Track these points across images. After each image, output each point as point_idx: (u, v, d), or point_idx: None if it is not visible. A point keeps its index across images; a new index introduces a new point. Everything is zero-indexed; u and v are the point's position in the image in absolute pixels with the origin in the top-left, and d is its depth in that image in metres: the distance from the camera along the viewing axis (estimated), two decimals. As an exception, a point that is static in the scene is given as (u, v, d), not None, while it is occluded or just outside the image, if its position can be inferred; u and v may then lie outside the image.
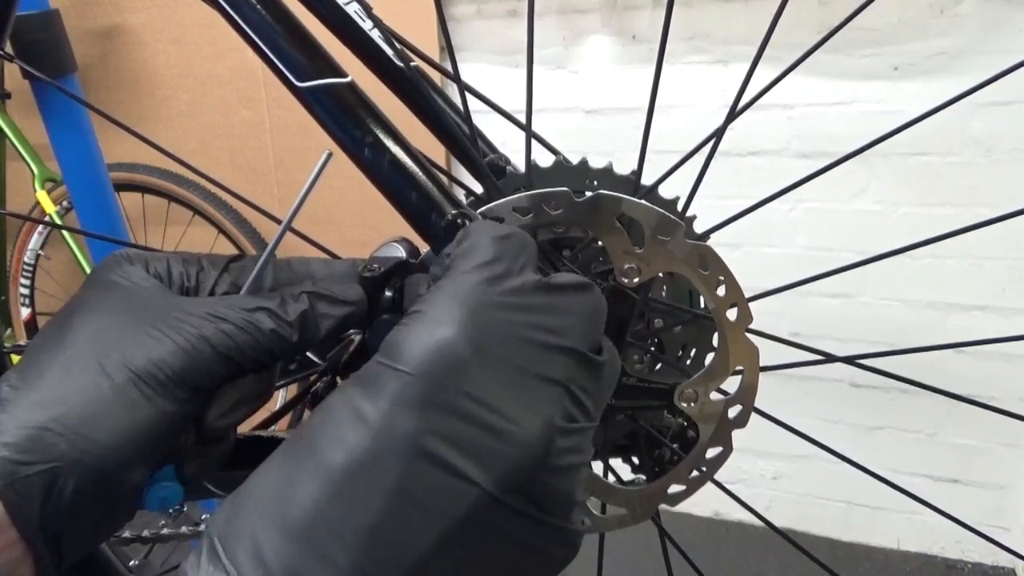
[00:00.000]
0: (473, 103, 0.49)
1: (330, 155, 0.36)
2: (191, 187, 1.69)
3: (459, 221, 0.38)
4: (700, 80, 1.42)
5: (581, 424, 0.29)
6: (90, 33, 1.78)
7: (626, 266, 0.42)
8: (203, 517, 1.06)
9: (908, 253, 0.50)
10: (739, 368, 0.44)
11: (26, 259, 1.81)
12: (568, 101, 1.52)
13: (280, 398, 1.23)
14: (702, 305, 0.47)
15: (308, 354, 0.41)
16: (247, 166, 1.79)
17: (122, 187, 1.64)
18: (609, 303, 0.33)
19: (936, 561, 1.59)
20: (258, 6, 0.39)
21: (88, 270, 1.56)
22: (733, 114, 0.47)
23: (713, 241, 0.45)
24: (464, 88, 0.47)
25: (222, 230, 1.70)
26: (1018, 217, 0.47)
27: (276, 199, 1.79)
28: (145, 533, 0.78)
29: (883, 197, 1.40)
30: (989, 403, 0.53)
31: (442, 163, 0.53)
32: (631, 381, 0.45)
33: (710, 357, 0.46)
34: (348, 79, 0.40)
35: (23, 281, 1.82)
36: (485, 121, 0.56)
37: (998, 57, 1.25)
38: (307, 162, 1.73)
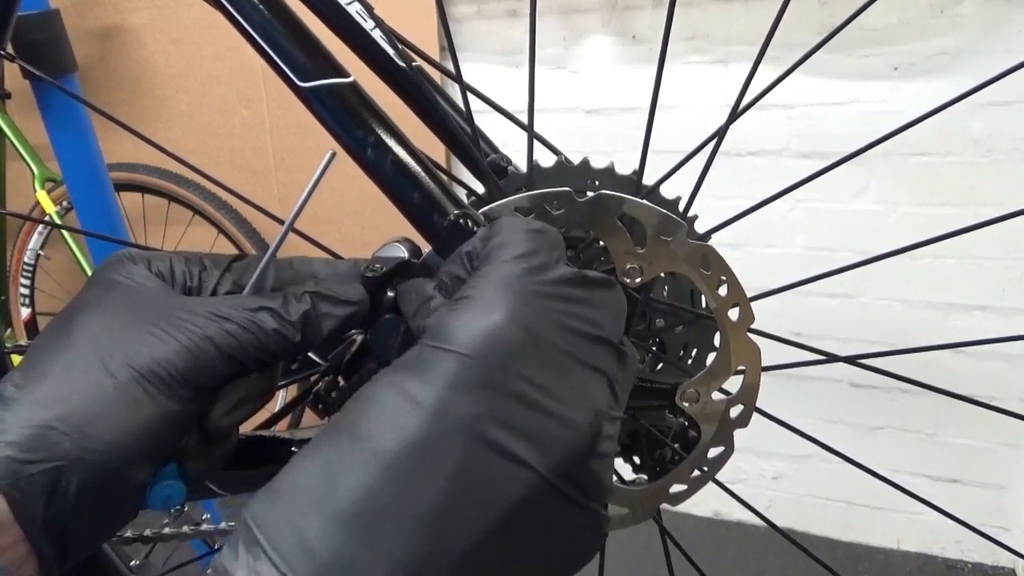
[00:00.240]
0: (474, 103, 0.49)
1: (333, 155, 0.36)
2: (191, 187, 1.69)
3: (461, 221, 0.38)
4: (700, 80, 1.42)
5: (618, 414, 0.29)
6: (90, 33, 1.78)
7: (628, 266, 0.42)
8: (204, 517, 1.06)
9: (908, 253, 0.50)
10: (741, 368, 0.44)
11: (26, 259, 1.81)
12: (568, 101, 1.52)
13: (281, 398, 1.23)
14: (704, 305, 0.47)
15: (310, 354, 0.41)
16: (247, 166, 1.79)
17: (122, 187, 1.64)
18: None
19: (936, 561, 1.59)
20: (260, 6, 0.39)
21: (88, 270, 1.56)
22: (734, 115, 0.47)
23: (713, 241, 0.45)
24: (466, 88, 0.47)
25: (222, 230, 1.70)
26: (1018, 217, 0.47)
27: (276, 199, 1.79)
28: (147, 532, 0.78)
29: (883, 197, 1.40)
30: (989, 403, 0.53)
31: (442, 163, 0.53)
32: (633, 381, 0.45)
33: (712, 357, 0.46)
34: (350, 79, 0.40)
35: (23, 281, 1.82)
36: (486, 121, 0.56)
37: (998, 57, 1.25)
38: (307, 162, 1.73)
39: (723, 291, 0.43)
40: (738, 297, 0.43)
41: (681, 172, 0.47)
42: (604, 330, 0.29)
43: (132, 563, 0.78)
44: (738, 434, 0.46)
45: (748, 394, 0.45)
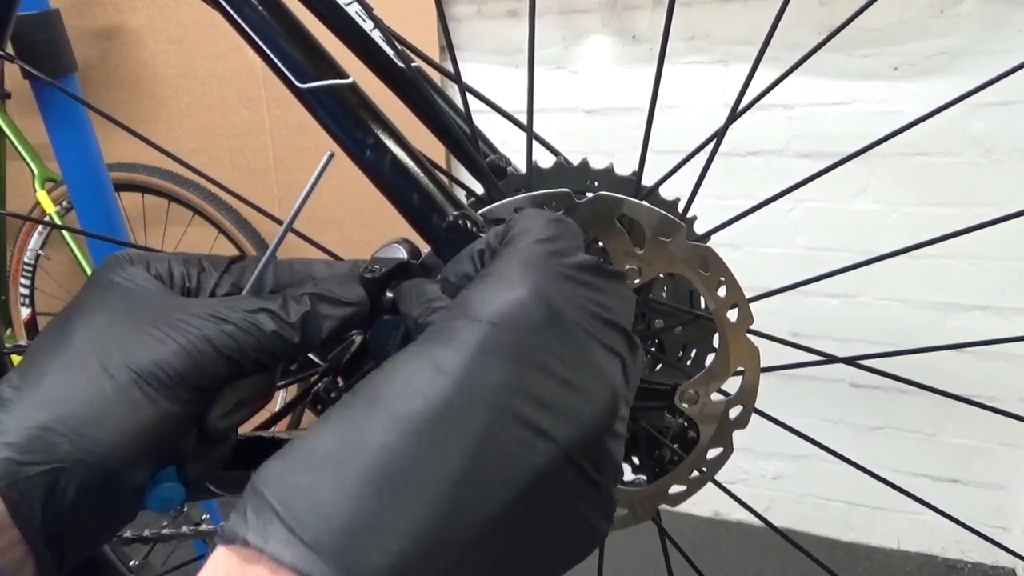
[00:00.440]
0: (473, 103, 0.49)
1: (331, 156, 0.36)
2: (191, 187, 1.69)
3: (460, 222, 0.38)
4: (700, 80, 1.42)
5: (630, 398, 0.29)
6: (90, 33, 1.78)
7: (627, 267, 0.42)
8: (203, 517, 1.07)
9: (908, 253, 0.50)
10: (740, 369, 0.44)
11: (26, 259, 1.81)
12: (568, 101, 1.52)
13: (280, 399, 1.23)
14: (703, 306, 0.47)
15: (309, 355, 0.41)
16: (247, 166, 1.79)
17: (122, 187, 1.64)
18: None
19: (936, 561, 1.59)
20: (259, 7, 0.39)
21: (88, 270, 1.56)
22: (734, 115, 0.47)
23: (713, 241, 0.45)
24: (465, 89, 0.47)
25: (222, 230, 1.70)
26: (1018, 217, 0.47)
27: (276, 199, 1.79)
28: (146, 533, 0.78)
29: (883, 197, 1.40)
30: (989, 403, 0.53)
31: (441, 163, 0.53)
32: (641, 374, 0.45)
33: (711, 358, 0.46)
34: (349, 80, 0.40)
35: (23, 281, 1.82)
36: (485, 121, 0.56)
37: (998, 57, 1.25)
38: (307, 162, 1.73)
39: (722, 292, 0.43)
40: (737, 298, 0.43)
41: (681, 172, 0.47)
42: (619, 317, 0.30)
43: (132, 563, 0.78)
44: (738, 434, 0.46)
45: (747, 395, 0.45)
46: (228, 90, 1.74)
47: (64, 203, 1.59)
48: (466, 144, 0.48)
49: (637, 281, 0.42)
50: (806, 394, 1.54)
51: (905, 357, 0.51)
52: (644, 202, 0.42)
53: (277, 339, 0.33)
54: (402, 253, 0.39)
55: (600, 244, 0.43)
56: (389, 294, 0.38)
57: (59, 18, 1.07)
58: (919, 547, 1.61)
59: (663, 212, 0.42)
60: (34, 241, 1.80)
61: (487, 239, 0.33)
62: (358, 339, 0.41)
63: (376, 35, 0.46)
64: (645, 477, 0.49)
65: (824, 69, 1.34)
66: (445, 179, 0.42)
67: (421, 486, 0.23)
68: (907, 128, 0.47)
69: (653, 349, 0.49)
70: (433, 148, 0.49)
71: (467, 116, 0.47)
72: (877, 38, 1.31)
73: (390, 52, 0.46)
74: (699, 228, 0.47)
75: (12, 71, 1.59)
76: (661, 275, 0.44)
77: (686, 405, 0.45)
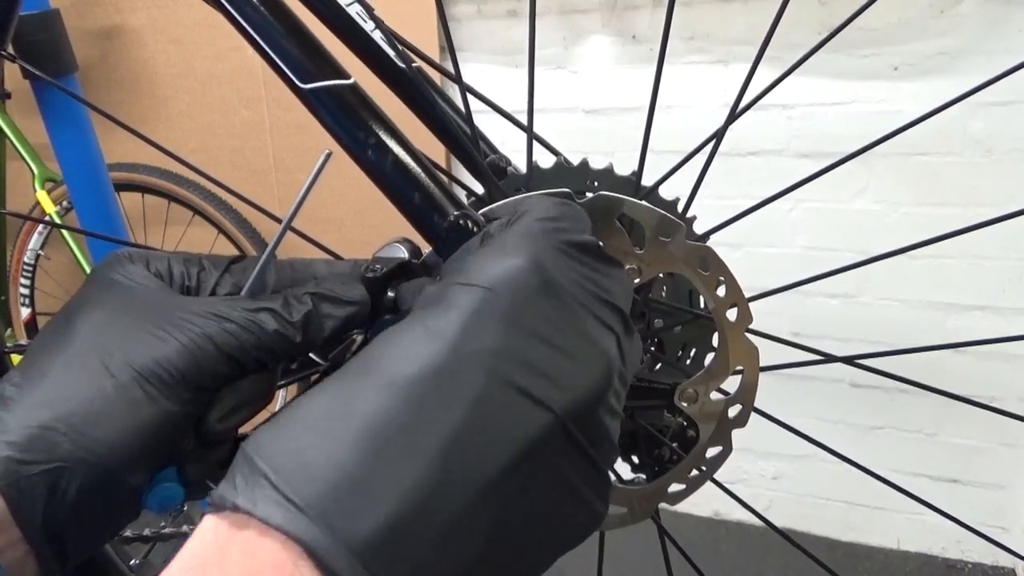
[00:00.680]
0: (473, 103, 0.49)
1: (329, 155, 0.36)
2: (191, 187, 1.69)
3: (461, 222, 0.38)
4: (700, 80, 1.42)
5: (626, 376, 0.29)
6: (90, 33, 1.78)
7: (627, 267, 0.42)
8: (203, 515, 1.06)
9: (908, 253, 0.50)
10: (739, 368, 0.45)
11: (26, 259, 1.81)
12: (568, 101, 1.52)
13: (281, 399, 1.23)
14: (702, 305, 0.47)
15: (310, 354, 0.41)
16: (247, 166, 1.79)
17: (122, 187, 1.64)
18: None
19: (936, 561, 1.59)
20: (260, 7, 0.39)
21: (88, 270, 1.56)
22: (734, 115, 0.47)
23: (713, 241, 0.45)
24: (465, 89, 0.47)
25: (222, 230, 1.70)
26: (1018, 217, 0.47)
27: (276, 199, 1.79)
28: (146, 532, 0.78)
29: (883, 197, 1.40)
30: (989, 403, 0.53)
31: (442, 163, 0.53)
32: (631, 381, 0.45)
33: (710, 357, 0.46)
34: (351, 80, 0.40)
35: (23, 281, 1.82)
36: (485, 121, 0.56)
37: (998, 57, 1.25)
38: (307, 162, 1.73)
39: (721, 291, 0.43)
40: (736, 298, 0.43)
41: (681, 172, 0.47)
42: (616, 299, 0.30)
43: (132, 562, 0.78)
44: (738, 434, 0.46)
45: (746, 394, 0.45)
46: (228, 90, 1.74)
47: (64, 203, 1.59)
48: (466, 144, 0.48)
49: (637, 280, 0.42)
50: (806, 394, 1.54)
51: (905, 357, 0.51)
52: (644, 202, 0.42)
53: (279, 338, 0.33)
54: (403, 253, 0.39)
55: (600, 244, 0.43)
56: (390, 293, 0.38)
57: (59, 18, 1.07)
58: (919, 547, 1.61)
59: (663, 212, 0.42)
60: (34, 241, 1.80)
61: (490, 228, 0.33)
62: (359, 338, 0.41)
63: (377, 35, 0.46)
64: (644, 476, 0.49)
65: (824, 69, 1.34)
66: (446, 179, 0.42)
67: (413, 449, 0.23)
68: (907, 128, 0.47)
69: (653, 348, 0.49)
70: (433, 148, 0.49)
71: (467, 116, 0.47)
72: (877, 38, 1.31)
73: (391, 52, 0.46)
74: (699, 228, 0.47)
75: (12, 71, 1.59)
76: (661, 275, 0.44)
77: (685, 404, 0.45)
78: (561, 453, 0.25)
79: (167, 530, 0.80)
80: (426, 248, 0.40)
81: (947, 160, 1.34)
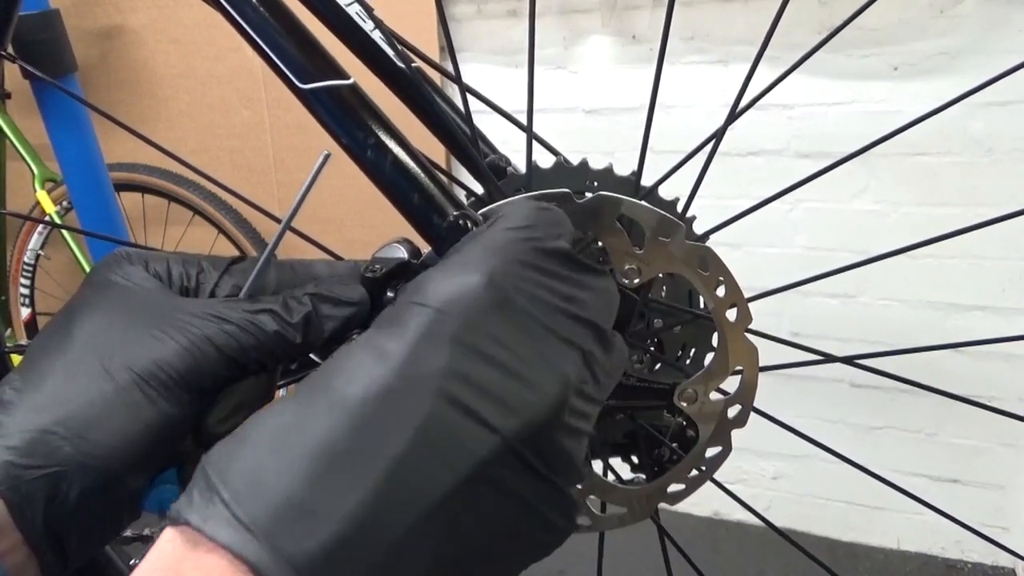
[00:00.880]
0: (473, 104, 0.49)
1: (328, 155, 0.36)
2: (191, 187, 1.69)
3: (461, 222, 0.38)
4: (700, 80, 1.42)
5: (593, 393, 0.29)
6: (90, 33, 1.78)
7: (626, 267, 0.42)
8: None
9: (908, 253, 0.50)
10: (739, 368, 0.45)
11: (26, 259, 1.81)
12: (568, 101, 1.52)
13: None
14: (702, 305, 0.47)
15: (310, 355, 0.41)
16: (247, 166, 1.79)
17: (122, 187, 1.64)
18: None
19: (936, 561, 1.59)
20: (260, 7, 0.39)
21: (88, 270, 1.56)
22: (733, 115, 0.47)
23: (713, 241, 0.45)
24: (465, 89, 0.47)
25: (222, 230, 1.70)
26: (1018, 217, 0.47)
27: (276, 199, 1.79)
28: (146, 532, 0.78)
29: (883, 197, 1.40)
30: (989, 403, 0.53)
31: (441, 164, 0.53)
32: (631, 381, 0.45)
33: (710, 357, 0.46)
34: (351, 81, 0.40)
35: (23, 281, 1.82)
36: (485, 121, 0.56)
37: (998, 57, 1.25)
38: (307, 162, 1.73)
39: (721, 292, 0.43)
40: (735, 298, 0.43)
41: (681, 172, 0.47)
42: (588, 311, 0.29)
43: (132, 562, 0.78)
44: (738, 434, 0.46)
45: (746, 394, 0.45)
46: (228, 90, 1.74)
47: (64, 203, 1.59)
48: (466, 144, 0.48)
49: (637, 280, 0.42)
50: (806, 394, 1.54)
51: (905, 357, 0.51)
52: (643, 202, 0.42)
53: (279, 339, 0.33)
54: (403, 253, 0.39)
55: (600, 243, 0.43)
56: (390, 294, 0.38)
57: (59, 18, 1.07)
58: (919, 547, 1.61)
59: (662, 212, 0.42)
60: (34, 241, 1.80)
61: (480, 229, 0.33)
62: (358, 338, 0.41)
63: (376, 35, 0.46)
64: (644, 476, 0.49)
65: (824, 69, 1.34)
66: (445, 179, 0.42)
67: (358, 471, 0.23)
68: (907, 128, 0.47)
69: (652, 348, 0.49)
70: (432, 148, 0.49)
71: (467, 116, 0.47)
72: (877, 38, 1.31)
73: (390, 52, 0.46)
74: (698, 228, 0.47)
75: (12, 71, 1.59)
76: (660, 275, 0.44)
77: (685, 404, 0.45)
78: (513, 475, 0.25)
79: (167, 530, 0.80)
80: (426, 248, 0.40)
81: (947, 160, 1.34)
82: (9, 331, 1.82)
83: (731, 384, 0.45)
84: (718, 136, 0.47)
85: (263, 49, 0.39)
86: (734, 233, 0.54)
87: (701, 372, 0.45)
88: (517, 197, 0.37)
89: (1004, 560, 1.57)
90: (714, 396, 0.45)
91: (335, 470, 0.23)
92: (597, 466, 0.50)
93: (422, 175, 0.40)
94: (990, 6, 1.24)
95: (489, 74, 1.55)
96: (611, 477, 0.51)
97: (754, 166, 1.44)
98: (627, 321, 0.45)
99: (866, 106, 1.35)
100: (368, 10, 0.46)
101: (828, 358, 0.52)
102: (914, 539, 1.61)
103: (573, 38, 1.48)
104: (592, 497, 0.46)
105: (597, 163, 0.46)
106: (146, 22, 1.75)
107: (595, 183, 0.45)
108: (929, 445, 1.53)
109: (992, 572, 1.56)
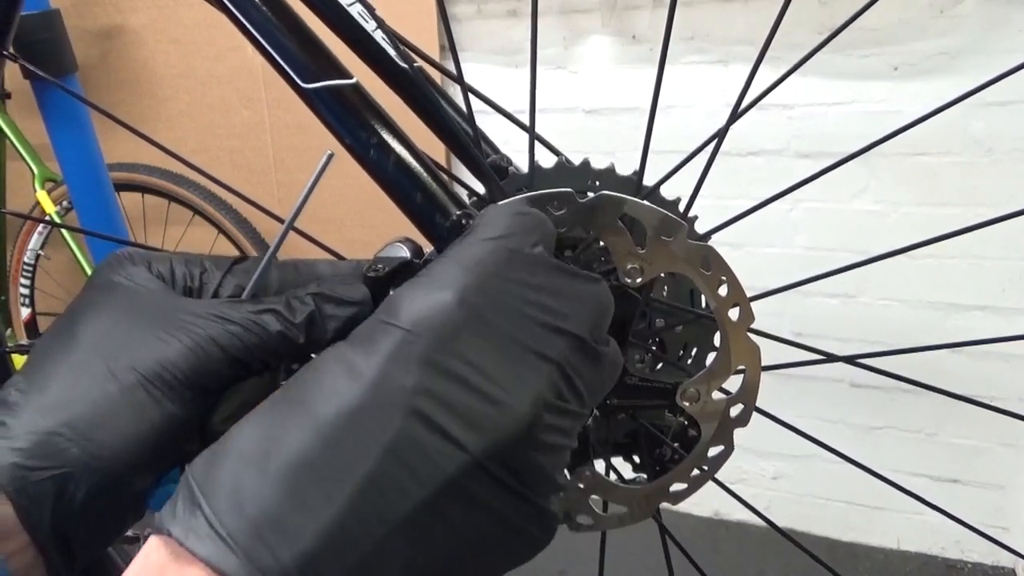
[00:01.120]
0: (475, 103, 0.49)
1: (331, 155, 0.36)
2: (191, 187, 1.69)
3: (463, 222, 0.38)
4: (700, 80, 1.42)
5: (571, 407, 0.28)
6: (90, 33, 1.78)
7: (628, 266, 0.42)
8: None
9: (908, 253, 0.50)
10: (741, 367, 0.45)
11: (26, 259, 1.81)
12: (568, 101, 1.52)
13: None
14: (704, 305, 0.47)
15: (313, 354, 0.41)
16: (247, 166, 1.79)
17: (122, 187, 1.64)
18: None
19: (936, 561, 1.59)
20: (263, 7, 0.39)
21: (88, 270, 1.56)
22: (735, 115, 0.47)
23: (714, 241, 0.45)
24: (467, 89, 0.47)
25: (222, 230, 1.70)
26: (1018, 217, 0.47)
27: (276, 199, 1.79)
28: (147, 532, 0.78)
29: (883, 197, 1.40)
30: (989, 403, 0.53)
31: (443, 163, 0.53)
32: (633, 380, 0.45)
33: (712, 356, 0.46)
34: (353, 80, 0.40)
35: (23, 281, 1.82)
36: (487, 121, 0.56)
37: (998, 57, 1.25)
38: (307, 162, 1.73)
39: (723, 291, 0.43)
40: (738, 297, 0.43)
41: (682, 172, 0.47)
42: (567, 322, 0.29)
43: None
44: (738, 434, 0.46)
45: (748, 393, 0.45)
46: (228, 90, 1.74)
47: (64, 203, 1.59)
48: (468, 144, 0.48)
49: (639, 280, 0.42)
50: (806, 394, 1.54)
51: (905, 357, 0.51)
52: (645, 202, 0.42)
53: (282, 339, 0.33)
54: (405, 252, 0.39)
55: (601, 243, 0.43)
56: (392, 293, 0.38)
57: (60, 18, 1.07)
58: (919, 547, 1.61)
59: (664, 212, 0.42)
60: (34, 241, 1.80)
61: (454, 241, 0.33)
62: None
63: (378, 35, 0.46)
64: (646, 475, 0.49)
65: (824, 69, 1.34)
66: (448, 179, 0.42)
67: (330, 488, 0.24)
68: (907, 128, 0.47)
69: (654, 348, 0.49)
70: (434, 148, 0.49)
71: (469, 116, 0.47)
72: (877, 38, 1.31)
73: (392, 52, 0.46)
74: (700, 228, 0.47)
75: (12, 71, 1.59)
76: (662, 274, 0.44)
77: (687, 403, 0.45)
78: (484, 490, 0.26)
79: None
80: (428, 248, 0.41)
81: (947, 160, 1.34)
82: (9, 331, 1.82)
83: (732, 384, 0.45)
84: (719, 136, 0.47)
85: (266, 49, 0.39)
86: (734, 233, 0.54)
87: (703, 372, 0.45)
88: (501, 202, 0.36)
89: (1004, 560, 1.57)
90: (716, 395, 0.45)
91: (309, 486, 0.24)
92: (598, 466, 0.50)
93: (425, 174, 0.40)
94: (990, 6, 1.24)
95: (489, 74, 1.55)
96: (613, 476, 0.51)
97: (754, 166, 1.44)
98: (629, 321, 0.45)
99: (866, 106, 1.35)
100: (370, 9, 0.46)
101: (829, 358, 0.52)
102: (914, 539, 1.61)
103: (573, 38, 1.48)
104: (594, 497, 0.46)
105: (597, 163, 0.46)
106: (146, 22, 1.75)
107: (597, 183, 0.45)
108: (929, 445, 1.53)
109: (992, 572, 1.56)
